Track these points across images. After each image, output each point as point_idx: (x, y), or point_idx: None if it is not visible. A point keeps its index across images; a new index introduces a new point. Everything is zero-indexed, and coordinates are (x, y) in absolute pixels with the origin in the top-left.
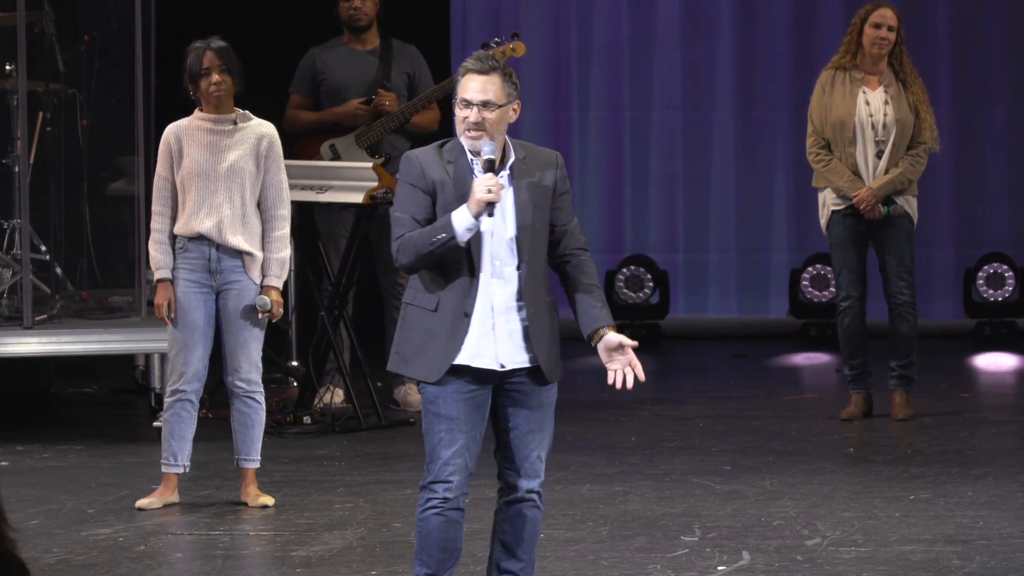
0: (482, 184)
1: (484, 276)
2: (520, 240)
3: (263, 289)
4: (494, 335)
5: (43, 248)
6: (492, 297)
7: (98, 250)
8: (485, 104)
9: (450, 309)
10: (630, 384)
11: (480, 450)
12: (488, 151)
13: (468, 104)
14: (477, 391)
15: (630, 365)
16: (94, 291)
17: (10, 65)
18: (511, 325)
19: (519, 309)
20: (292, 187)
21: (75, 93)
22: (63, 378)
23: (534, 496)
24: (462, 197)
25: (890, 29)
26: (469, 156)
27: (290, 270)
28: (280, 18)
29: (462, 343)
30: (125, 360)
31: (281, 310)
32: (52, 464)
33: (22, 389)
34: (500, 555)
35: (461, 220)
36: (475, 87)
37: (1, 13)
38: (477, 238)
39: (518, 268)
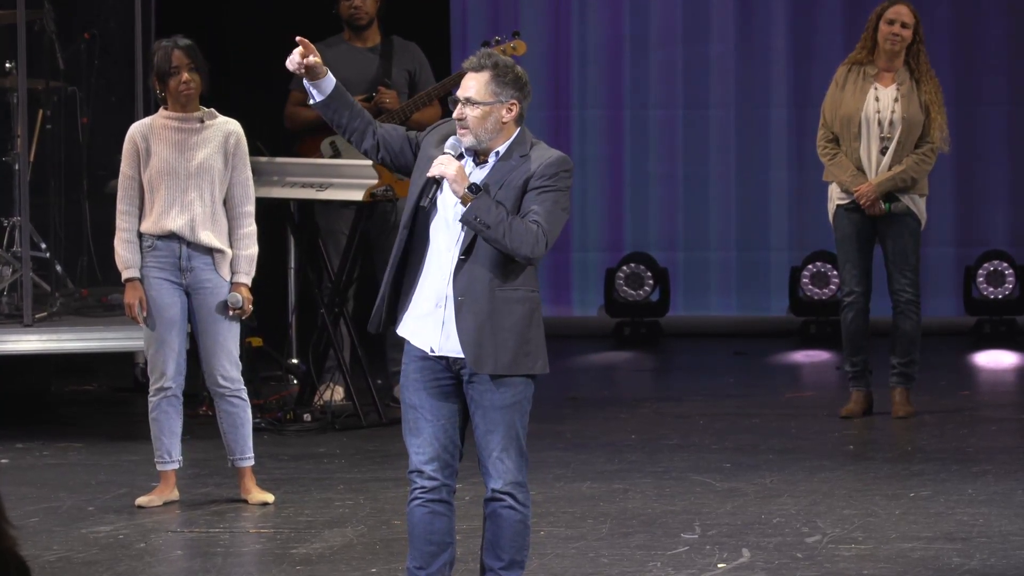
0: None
1: (428, 260)
2: (466, 233)
3: (233, 286)
4: (429, 319)
5: (43, 246)
6: (434, 282)
7: (98, 248)
8: (466, 100)
9: (393, 270)
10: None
11: (457, 443)
12: (449, 146)
13: (456, 100)
14: (441, 380)
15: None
16: (94, 289)
17: (10, 63)
18: (446, 314)
19: (454, 299)
20: (293, 184)
21: (75, 91)
22: (63, 376)
23: (504, 496)
24: (420, 175)
25: (904, 26)
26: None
27: (290, 267)
28: (280, 15)
29: (388, 293)
30: (125, 358)
31: (251, 307)
32: (52, 462)
33: (22, 387)
34: (484, 553)
35: None
36: (465, 84)
37: (1, 11)
38: (424, 222)
39: (460, 258)
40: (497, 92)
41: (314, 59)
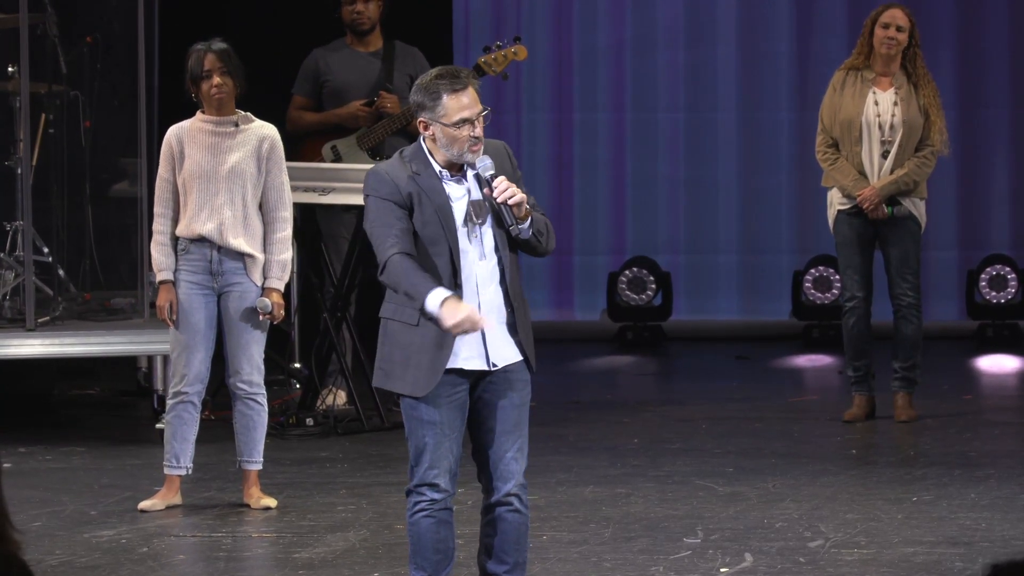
0: (464, 320)
1: (469, 280)
2: (498, 237)
3: (264, 291)
4: (482, 336)
5: (45, 250)
6: (479, 297)
7: (100, 252)
8: (484, 113)
9: (433, 324)
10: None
11: (462, 450)
12: (489, 167)
13: (468, 121)
14: (458, 393)
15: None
16: (96, 293)
17: (13, 67)
18: (499, 325)
19: (505, 304)
20: (294, 188)
21: (77, 95)
22: (66, 380)
23: (512, 499)
24: (440, 209)
25: (899, 29)
26: (436, 167)
27: (292, 271)
28: (282, 19)
29: (450, 354)
30: (127, 362)
31: (282, 312)
32: (55, 466)
33: (25, 391)
34: (486, 559)
35: (432, 303)
36: (467, 102)
37: (3, 15)
38: (456, 247)
39: (500, 263)
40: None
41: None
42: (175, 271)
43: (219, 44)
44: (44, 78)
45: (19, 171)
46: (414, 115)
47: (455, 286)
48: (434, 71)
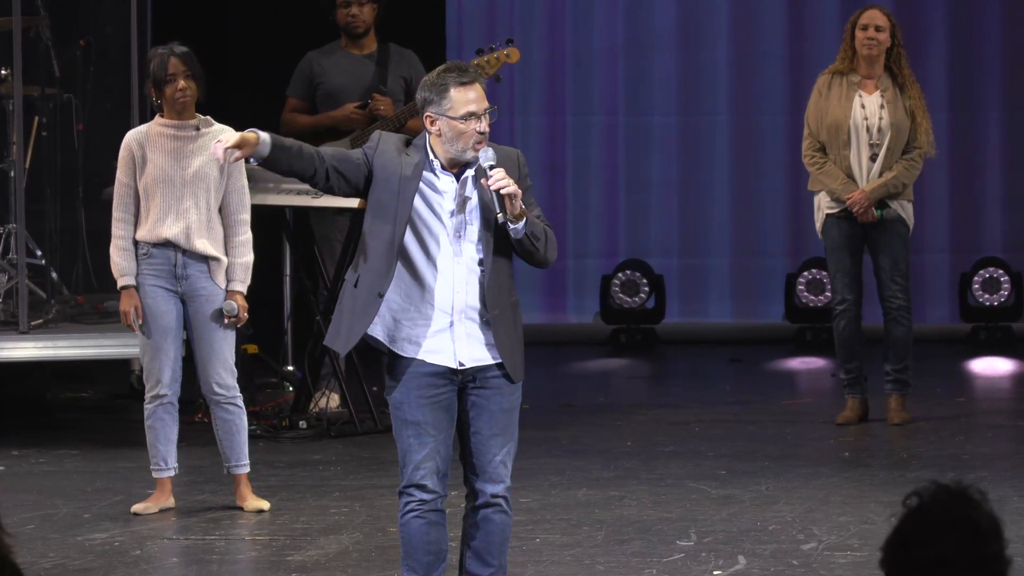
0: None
1: (427, 274)
2: (484, 239)
3: (228, 294)
4: (451, 332)
5: (38, 253)
6: (453, 295)
7: (93, 255)
8: (488, 110)
9: (365, 287)
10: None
11: (451, 452)
12: (491, 157)
13: (474, 115)
14: (441, 393)
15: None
16: (90, 295)
17: (6, 69)
18: (472, 325)
19: (483, 309)
20: (288, 191)
21: (71, 97)
22: (59, 383)
23: (499, 501)
24: (402, 184)
25: (878, 29)
26: (430, 157)
27: (286, 275)
28: (278, 22)
29: (371, 321)
30: (121, 365)
31: (246, 315)
32: (48, 469)
33: (18, 394)
34: (470, 561)
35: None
36: (474, 96)
37: None
38: (401, 228)
39: (481, 266)
40: None
41: (237, 155)
42: (137, 275)
43: (181, 48)
44: (37, 81)
45: (12, 174)
46: (420, 112)
47: (391, 259)
48: (440, 67)
